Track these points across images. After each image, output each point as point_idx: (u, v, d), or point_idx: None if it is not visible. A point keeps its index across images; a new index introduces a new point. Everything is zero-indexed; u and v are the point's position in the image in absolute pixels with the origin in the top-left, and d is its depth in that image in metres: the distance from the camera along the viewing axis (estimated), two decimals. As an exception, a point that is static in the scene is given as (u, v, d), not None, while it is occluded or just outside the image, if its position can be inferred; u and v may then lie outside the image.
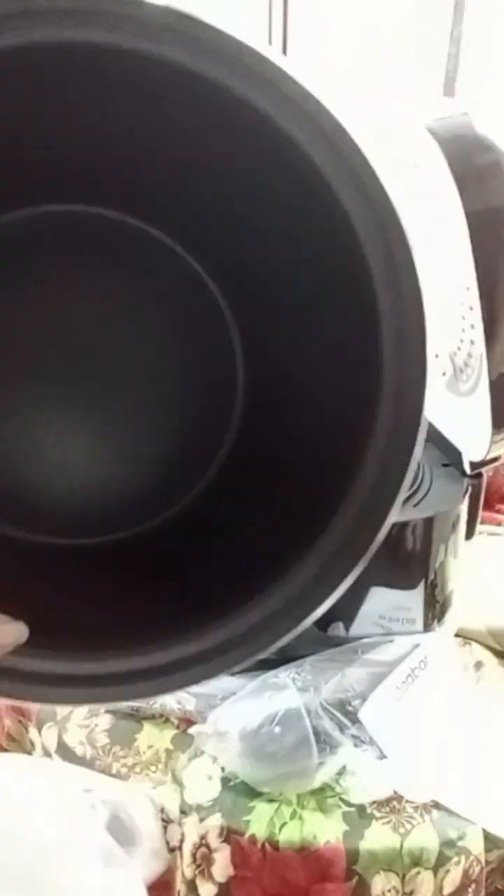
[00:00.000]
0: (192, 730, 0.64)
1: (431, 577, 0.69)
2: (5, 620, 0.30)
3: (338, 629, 0.65)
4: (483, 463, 0.58)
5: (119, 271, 0.38)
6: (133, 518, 0.41)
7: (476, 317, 0.46)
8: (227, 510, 0.40)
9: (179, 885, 0.58)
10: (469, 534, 0.68)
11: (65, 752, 0.63)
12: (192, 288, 0.38)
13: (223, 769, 0.61)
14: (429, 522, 0.63)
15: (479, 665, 0.73)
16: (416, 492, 0.63)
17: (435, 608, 0.69)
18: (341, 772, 0.60)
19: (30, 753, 0.70)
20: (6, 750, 0.71)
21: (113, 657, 0.31)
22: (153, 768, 0.61)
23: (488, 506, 0.88)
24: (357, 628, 0.65)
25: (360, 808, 0.58)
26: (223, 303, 0.38)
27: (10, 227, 0.34)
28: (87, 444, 0.40)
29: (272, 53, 0.25)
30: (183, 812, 0.58)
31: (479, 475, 0.62)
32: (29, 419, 0.38)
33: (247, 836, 0.56)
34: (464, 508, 0.66)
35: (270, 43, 1.56)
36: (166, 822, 0.59)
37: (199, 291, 0.38)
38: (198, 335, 0.39)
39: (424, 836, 0.56)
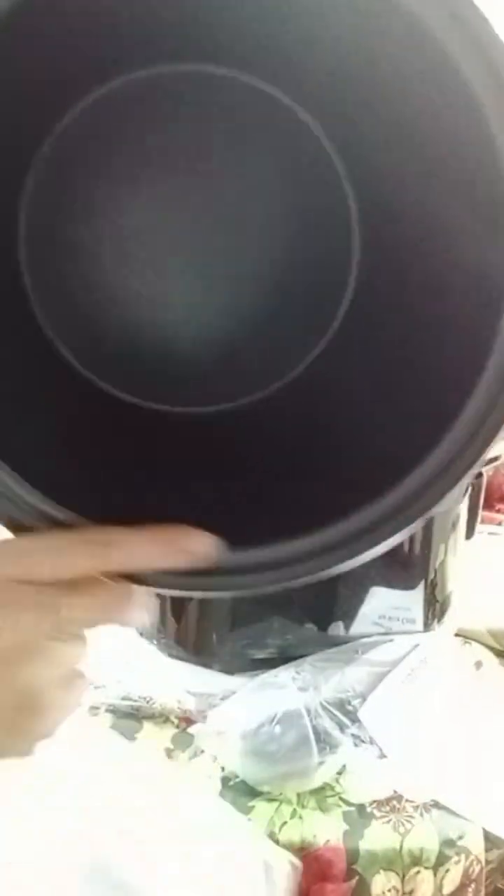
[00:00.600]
0: (192, 729, 0.64)
1: (431, 576, 0.69)
2: (205, 535, 0.30)
3: (338, 629, 0.65)
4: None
5: (248, 137, 0.38)
6: (259, 381, 0.41)
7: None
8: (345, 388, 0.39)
9: (179, 885, 0.58)
10: (469, 533, 0.67)
11: (65, 751, 0.63)
12: (313, 155, 0.38)
13: (223, 768, 0.61)
14: (428, 522, 0.62)
15: (479, 665, 0.73)
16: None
17: (435, 608, 0.69)
18: (341, 771, 0.60)
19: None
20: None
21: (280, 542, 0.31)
22: (153, 768, 0.61)
23: (488, 506, 0.88)
24: (357, 628, 0.65)
25: (360, 808, 0.58)
26: (344, 176, 0.38)
27: (128, 89, 0.35)
28: (210, 303, 0.40)
29: None
30: (183, 811, 0.58)
31: (480, 475, 0.62)
32: (151, 282, 0.39)
33: (247, 835, 0.56)
34: (464, 508, 0.66)
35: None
36: (166, 821, 0.59)
37: (320, 160, 0.38)
38: (315, 203, 0.39)
39: (424, 836, 0.56)
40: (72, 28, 0.25)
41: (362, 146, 0.37)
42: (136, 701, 0.65)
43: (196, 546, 0.29)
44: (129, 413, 0.40)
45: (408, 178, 0.34)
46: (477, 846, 0.56)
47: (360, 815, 0.57)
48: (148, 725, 0.65)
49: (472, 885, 0.57)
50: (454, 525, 0.66)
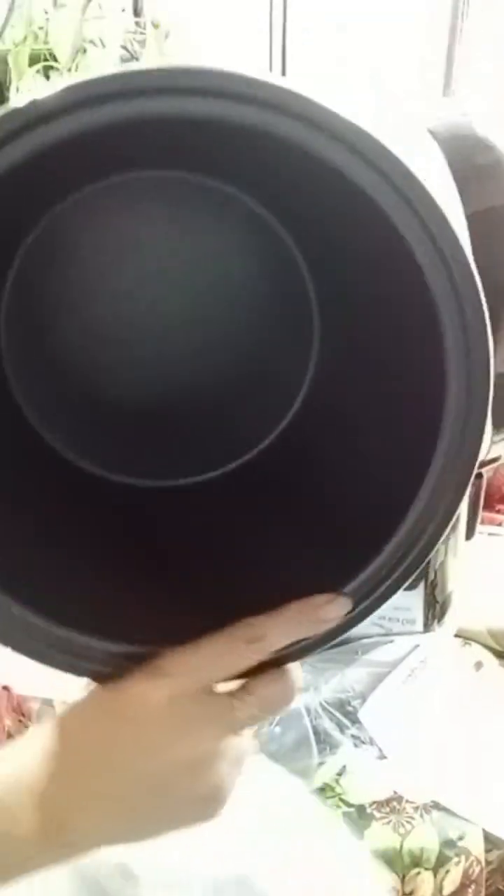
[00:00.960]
0: (192, 730, 0.64)
1: (431, 577, 0.69)
2: (338, 598, 0.33)
3: (338, 629, 0.65)
4: (483, 463, 0.58)
5: (219, 236, 0.40)
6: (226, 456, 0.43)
7: (476, 317, 0.46)
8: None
9: (179, 885, 0.58)
10: (469, 534, 0.68)
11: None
12: (278, 252, 0.40)
13: (223, 769, 0.61)
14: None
15: (479, 665, 0.73)
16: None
17: (435, 608, 0.69)
18: (341, 772, 0.60)
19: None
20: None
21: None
22: (153, 768, 0.61)
23: (488, 506, 0.88)
24: (357, 628, 0.65)
25: (360, 809, 0.58)
26: (306, 275, 0.41)
27: (108, 190, 0.37)
28: (179, 380, 0.42)
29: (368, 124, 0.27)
30: (183, 812, 0.58)
31: (480, 475, 0.62)
32: (122, 366, 0.41)
33: (247, 835, 0.56)
34: (464, 508, 0.66)
35: (271, 44, 1.56)
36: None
37: (284, 257, 0.40)
38: (278, 293, 0.42)
39: (424, 837, 0.56)
40: (57, 153, 0.26)
41: (326, 256, 0.39)
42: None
43: (334, 612, 0.32)
44: (113, 491, 0.41)
45: (367, 275, 0.37)
46: (477, 847, 0.56)
47: (360, 816, 0.57)
48: (148, 726, 0.65)
49: (473, 886, 0.57)
50: (454, 526, 0.66)
